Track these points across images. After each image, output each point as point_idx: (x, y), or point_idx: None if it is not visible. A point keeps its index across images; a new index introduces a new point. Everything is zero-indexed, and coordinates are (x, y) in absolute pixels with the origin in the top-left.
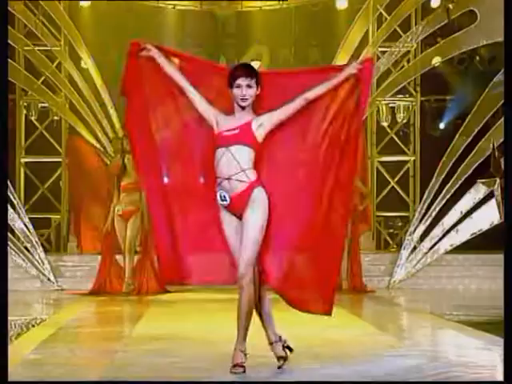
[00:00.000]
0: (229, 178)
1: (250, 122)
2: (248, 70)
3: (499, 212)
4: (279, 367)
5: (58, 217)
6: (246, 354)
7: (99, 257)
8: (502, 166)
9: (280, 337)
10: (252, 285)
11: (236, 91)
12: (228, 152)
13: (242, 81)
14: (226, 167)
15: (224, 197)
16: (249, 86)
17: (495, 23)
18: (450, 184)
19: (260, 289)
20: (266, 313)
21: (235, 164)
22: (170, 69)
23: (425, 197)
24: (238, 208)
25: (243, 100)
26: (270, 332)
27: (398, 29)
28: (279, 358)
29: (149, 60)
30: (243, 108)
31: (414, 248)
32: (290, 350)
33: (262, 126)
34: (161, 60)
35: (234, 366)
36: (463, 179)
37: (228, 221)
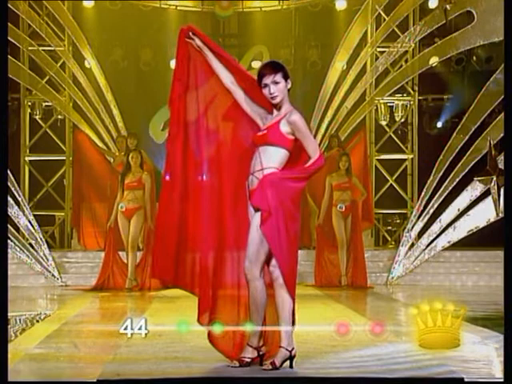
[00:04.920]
0: (252, 174)
1: (279, 121)
2: (271, 66)
3: (496, 209)
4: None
5: (62, 214)
6: (257, 349)
7: (103, 253)
8: (499, 165)
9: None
10: (257, 281)
11: (264, 91)
12: (257, 151)
13: (267, 79)
14: (253, 164)
15: (248, 192)
16: (275, 83)
17: (492, 24)
18: (447, 182)
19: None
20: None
21: (258, 161)
22: (217, 65)
23: (422, 194)
24: (253, 204)
25: (273, 98)
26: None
27: (396, 29)
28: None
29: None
30: (276, 106)
31: (412, 245)
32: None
33: (290, 124)
34: (207, 53)
35: (237, 360)
36: (460, 177)
37: (252, 215)
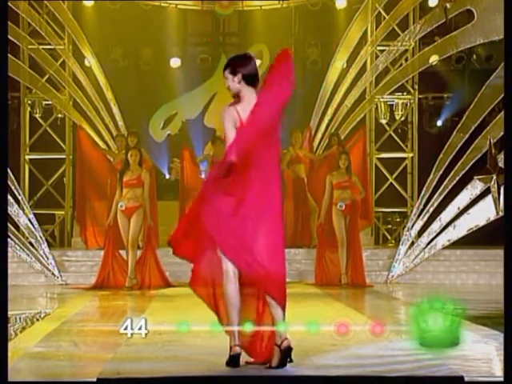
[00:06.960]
0: None
1: None
2: (226, 62)
3: (496, 208)
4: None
5: (62, 213)
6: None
7: (102, 252)
8: (499, 163)
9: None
10: (231, 280)
11: None
12: None
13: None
14: None
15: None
16: (226, 78)
17: (492, 22)
18: (447, 180)
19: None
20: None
21: None
22: None
23: (422, 193)
24: None
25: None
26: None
27: (396, 28)
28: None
29: None
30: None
31: (412, 243)
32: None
33: None
34: None
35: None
36: (460, 175)
37: None
